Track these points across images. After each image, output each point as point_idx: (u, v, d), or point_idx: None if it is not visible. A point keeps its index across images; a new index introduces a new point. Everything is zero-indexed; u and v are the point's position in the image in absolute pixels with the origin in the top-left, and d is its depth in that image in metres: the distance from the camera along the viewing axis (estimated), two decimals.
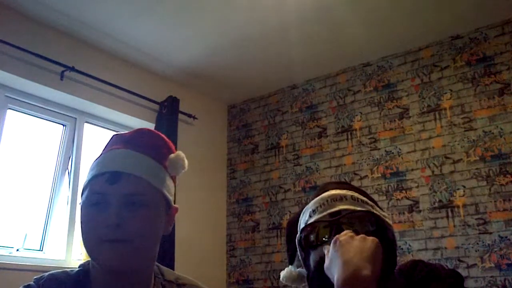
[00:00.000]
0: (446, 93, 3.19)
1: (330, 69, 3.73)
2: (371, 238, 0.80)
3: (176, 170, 1.02)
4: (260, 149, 4.03)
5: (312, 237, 0.91)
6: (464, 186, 2.97)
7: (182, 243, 3.41)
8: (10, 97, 2.93)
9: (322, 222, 0.90)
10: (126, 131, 1.06)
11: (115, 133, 1.06)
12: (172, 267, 3.19)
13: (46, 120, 3.16)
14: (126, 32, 3.17)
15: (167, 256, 3.20)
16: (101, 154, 0.99)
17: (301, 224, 0.96)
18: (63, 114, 3.21)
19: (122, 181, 0.91)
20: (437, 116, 3.18)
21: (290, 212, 3.69)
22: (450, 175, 3.04)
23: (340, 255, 0.78)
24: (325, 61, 3.61)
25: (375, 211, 0.92)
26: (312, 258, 0.91)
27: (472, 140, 3.01)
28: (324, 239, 0.89)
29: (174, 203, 1.02)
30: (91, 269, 0.96)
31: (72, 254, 3.00)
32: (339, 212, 0.90)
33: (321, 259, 0.87)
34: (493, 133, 2.95)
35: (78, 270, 0.98)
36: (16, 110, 3.00)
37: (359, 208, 0.90)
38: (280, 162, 3.87)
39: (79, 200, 3.07)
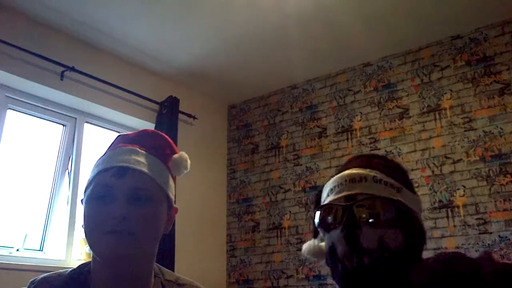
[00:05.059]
0: (446, 93, 3.19)
1: (330, 69, 3.73)
2: None
3: (179, 170, 1.04)
4: (260, 149, 4.03)
5: (327, 219, 0.86)
6: (464, 186, 2.97)
7: (182, 243, 3.41)
8: (10, 97, 2.93)
9: (337, 206, 0.84)
10: (129, 132, 1.08)
11: (116, 133, 1.08)
12: (172, 267, 3.19)
13: (46, 120, 3.16)
14: (126, 32, 3.17)
15: (167, 256, 3.20)
16: (106, 152, 1.01)
17: (321, 201, 0.91)
18: (63, 114, 3.21)
19: (129, 176, 0.93)
20: (437, 116, 3.18)
21: (290, 212, 3.69)
22: (450, 175, 3.04)
23: None
24: (325, 61, 3.61)
25: (397, 197, 0.84)
26: (327, 241, 0.87)
27: (472, 140, 3.01)
28: (337, 224, 0.83)
29: (174, 203, 1.03)
30: (92, 267, 0.97)
31: (72, 254, 3.00)
32: (355, 196, 0.83)
33: (333, 245, 0.84)
34: (493, 133, 2.95)
35: (73, 269, 0.99)
36: (16, 110, 3.00)
37: (377, 194, 0.83)
38: (280, 162, 3.87)
39: (79, 200, 3.07)
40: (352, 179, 0.85)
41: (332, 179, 0.89)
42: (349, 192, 0.84)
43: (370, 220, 0.81)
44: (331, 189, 0.87)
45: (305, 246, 0.95)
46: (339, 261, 0.82)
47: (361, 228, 0.80)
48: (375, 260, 0.79)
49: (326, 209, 0.86)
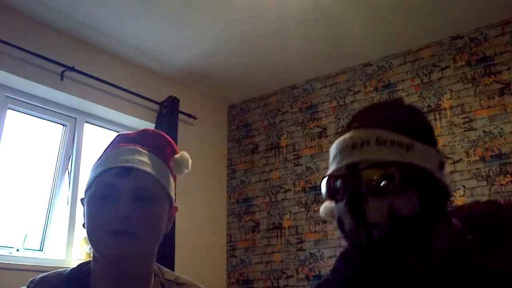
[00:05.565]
0: (446, 93, 3.19)
1: (330, 69, 3.73)
2: None
3: (180, 170, 1.05)
4: (260, 149, 4.03)
5: (331, 190, 0.80)
6: (464, 186, 2.97)
7: (182, 243, 3.40)
8: (10, 97, 2.93)
9: (339, 176, 0.78)
10: (129, 131, 1.08)
11: (116, 133, 1.08)
12: (172, 267, 3.19)
13: (46, 120, 3.16)
14: (126, 32, 3.17)
15: (167, 256, 3.19)
16: (105, 152, 1.00)
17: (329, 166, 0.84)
18: (63, 114, 3.21)
19: (132, 175, 0.93)
20: (437, 116, 3.18)
21: (290, 212, 3.69)
22: (450, 175, 3.04)
23: None
24: (325, 61, 3.61)
25: (406, 158, 0.74)
26: (335, 212, 0.81)
27: (472, 140, 3.01)
28: (341, 196, 0.77)
29: (175, 202, 1.04)
30: (92, 266, 0.97)
31: (72, 254, 3.00)
32: (357, 164, 0.75)
33: (340, 218, 0.78)
34: (493, 133, 2.95)
35: (72, 269, 0.99)
36: (16, 110, 3.00)
37: (382, 158, 0.74)
38: (280, 162, 3.87)
39: (79, 200, 3.07)
40: (353, 145, 0.76)
41: (335, 143, 0.81)
42: (351, 161, 0.76)
43: (376, 190, 0.73)
44: (334, 156, 0.80)
45: (322, 208, 0.89)
46: (348, 235, 0.77)
47: (367, 200, 0.73)
48: (385, 233, 0.72)
49: (331, 180, 0.80)
